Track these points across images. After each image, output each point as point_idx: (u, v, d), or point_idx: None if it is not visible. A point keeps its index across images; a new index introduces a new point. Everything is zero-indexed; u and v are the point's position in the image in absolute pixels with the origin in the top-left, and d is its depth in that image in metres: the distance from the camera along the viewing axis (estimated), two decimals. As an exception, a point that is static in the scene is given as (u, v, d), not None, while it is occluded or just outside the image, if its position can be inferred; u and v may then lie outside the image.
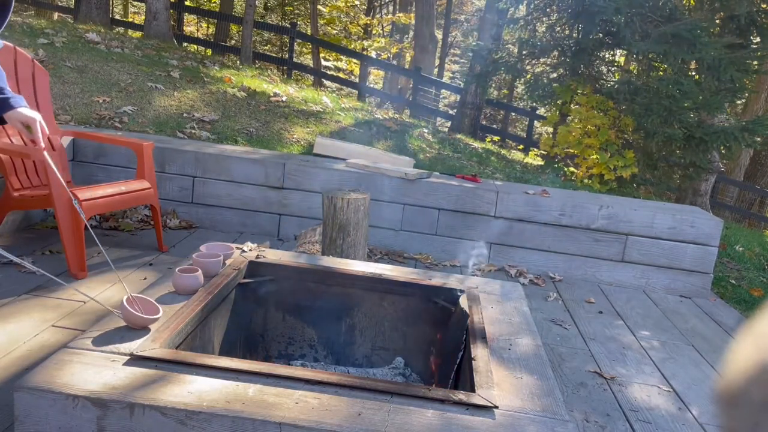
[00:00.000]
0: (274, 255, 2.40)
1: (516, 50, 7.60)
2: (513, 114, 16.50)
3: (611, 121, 6.61)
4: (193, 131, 5.21)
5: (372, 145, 5.86)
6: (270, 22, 18.29)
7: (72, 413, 1.33)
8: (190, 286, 1.93)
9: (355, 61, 17.00)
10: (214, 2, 17.83)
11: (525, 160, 8.39)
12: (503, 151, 8.78)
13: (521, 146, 11.65)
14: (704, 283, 4.06)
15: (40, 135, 1.92)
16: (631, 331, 3.31)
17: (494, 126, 16.74)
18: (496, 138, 12.36)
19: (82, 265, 3.03)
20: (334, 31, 18.79)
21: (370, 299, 2.34)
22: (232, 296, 2.14)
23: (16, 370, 2.11)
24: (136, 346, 1.55)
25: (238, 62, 9.19)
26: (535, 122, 11.70)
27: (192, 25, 19.30)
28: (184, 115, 5.53)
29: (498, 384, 1.58)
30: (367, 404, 1.41)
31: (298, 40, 13.79)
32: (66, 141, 3.82)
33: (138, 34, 10.21)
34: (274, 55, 16.38)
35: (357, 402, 1.42)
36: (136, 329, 1.65)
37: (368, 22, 19.32)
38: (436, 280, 2.35)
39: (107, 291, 2.90)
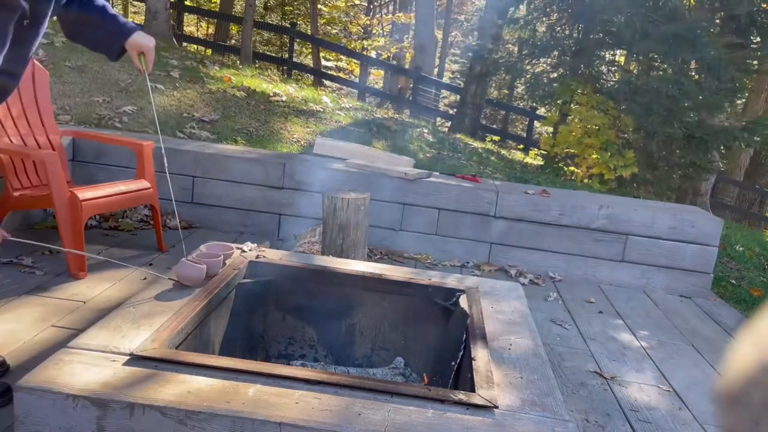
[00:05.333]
0: (274, 255, 2.40)
1: (516, 50, 7.61)
2: (513, 114, 16.50)
3: (611, 121, 6.62)
4: (193, 131, 5.21)
5: (372, 145, 5.86)
6: (270, 21, 18.29)
7: (72, 413, 1.33)
8: (194, 277, 1.93)
9: (355, 61, 16.99)
10: (214, 2, 17.83)
11: (525, 160, 8.39)
12: (503, 151, 8.78)
13: (521, 146, 11.64)
14: (704, 283, 4.05)
15: (151, 64, 1.93)
16: (631, 331, 3.31)
17: (494, 126, 16.74)
18: (496, 138, 12.35)
19: (82, 266, 3.03)
20: (334, 31, 18.78)
21: (370, 299, 2.34)
22: (232, 296, 2.14)
23: (15, 370, 2.11)
24: (135, 346, 1.55)
25: (237, 62, 9.19)
26: (535, 122, 11.70)
27: (192, 25, 19.31)
28: (184, 115, 5.53)
29: (498, 384, 1.58)
30: (367, 404, 1.41)
31: (298, 40, 13.79)
32: (66, 141, 3.82)
33: (138, 34, 10.18)
34: (274, 54, 16.37)
35: (357, 402, 1.42)
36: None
37: (368, 21, 19.32)
38: (436, 280, 2.35)
39: (107, 291, 2.90)
